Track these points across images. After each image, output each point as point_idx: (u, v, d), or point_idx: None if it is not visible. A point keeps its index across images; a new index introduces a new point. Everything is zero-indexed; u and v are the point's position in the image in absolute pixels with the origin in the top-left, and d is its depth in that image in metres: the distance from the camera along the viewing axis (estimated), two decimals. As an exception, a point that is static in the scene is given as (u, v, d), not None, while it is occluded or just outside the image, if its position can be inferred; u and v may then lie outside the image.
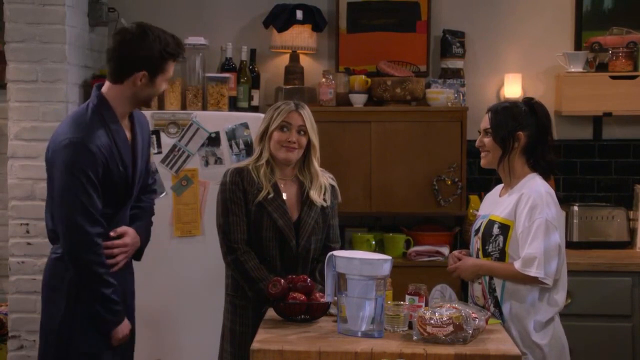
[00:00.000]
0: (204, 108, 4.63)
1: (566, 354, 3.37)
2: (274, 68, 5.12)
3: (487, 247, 3.36)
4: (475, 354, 2.85)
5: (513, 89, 5.01)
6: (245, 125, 4.41)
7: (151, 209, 3.44)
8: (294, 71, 4.96)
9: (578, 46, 5.05)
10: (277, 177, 3.59)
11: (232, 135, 4.40)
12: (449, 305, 3.01)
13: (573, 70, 4.90)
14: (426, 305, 3.22)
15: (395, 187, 4.78)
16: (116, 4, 4.92)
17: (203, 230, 4.38)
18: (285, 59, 5.05)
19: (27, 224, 4.49)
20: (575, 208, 4.90)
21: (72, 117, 3.16)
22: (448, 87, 4.88)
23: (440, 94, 4.83)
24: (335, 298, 3.15)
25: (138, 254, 3.34)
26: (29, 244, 4.50)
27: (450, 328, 2.91)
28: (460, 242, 4.89)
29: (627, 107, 4.86)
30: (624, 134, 5.10)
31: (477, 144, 3.46)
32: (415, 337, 2.97)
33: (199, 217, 4.39)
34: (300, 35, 4.96)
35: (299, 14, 4.91)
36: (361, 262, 3.05)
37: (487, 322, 3.10)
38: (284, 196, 3.58)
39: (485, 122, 3.42)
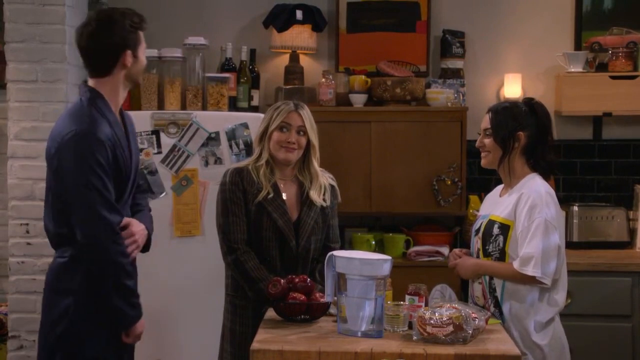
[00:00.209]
0: (204, 108, 4.63)
1: (566, 354, 3.37)
2: (274, 68, 5.12)
3: (487, 247, 3.36)
4: (475, 354, 2.85)
5: (513, 89, 5.01)
6: (245, 125, 4.41)
7: (147, 204, 3.42)
8: (293, 71, 4.96)
9: (578, 46, 5.05)
10: (277, 177, 3.59)
11: (232, 135, 4.40)
12: (448, 305, 3.01)
13: (573, 70, 4.90)
14: (426, 305, 3.22)
15: (395, 187, 4.78)
16: (116, 4, 4.91)
17: (203, 230, 4.38)
18: (285, 59, 5.05)
19: (27, 224, 4.49)
20: (575, 208, 4.90)
21: (70, 113, 3.13)
22: (448, 87, 4.89)
23: (440, 94, 4.83)
24: (335, 298, 3.15)
25: (146, 245, 3.31)
26: (29, 244, 4.50)
27: (450, 328, 2.91)
28: (460, 242, 4.89)
29: (627, 107, 4.86)
30: (624, 134, 5.10)
31: (477, 144, 3.46)
32: (415, 337, 2.97)
33: (199, 217, 4.39)
34: (300, 35, 4.96)
35: (299, 14, 4.91)
36: (361, 262, 3.05)
37: (487, 322, 3.10)
38: (284, 196, 3.58)
39: (485, 123, 3.43)
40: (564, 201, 4.73)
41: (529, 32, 5.10)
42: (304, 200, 3.60)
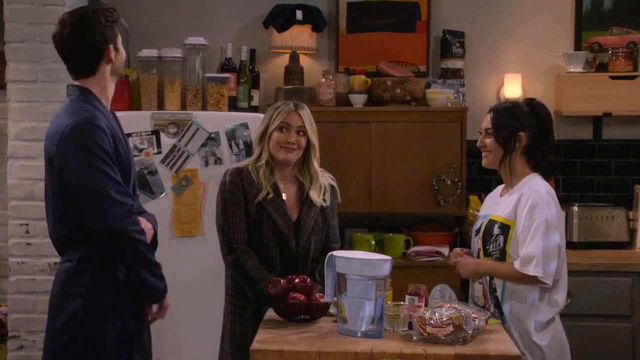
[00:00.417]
0: (204, 108, 4.63)
1: (566, 355, 3.37)
2: (274, 68, 5.12)
3: (487, 247, 3.36)
4: (475, 354, 2.85)
5: (513, 89, 5.01)
6: (245, 126, 4.41)
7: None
8: (293, 71, 4.96)
9: (578, 46, 5.05)
10: (277, 178, 3.59)
11: (231, 136, 4.40)
12: (448, 305, 3.01)
13: (573, 70, 4.90)
14: (426, 305, 3.22)
15: (395, 187, 4.78)
16: (116, 4, 4.91)
17: (203, 230, 4.38)
18: (285, 59, 5.05)
19: (27, 224, 4.49)
20: (575, 208, 4.90)
21: (65, 109, 3.09)
22: (448, 87, 4.88)
23: (440, 94, 4.83)
24: (335, 298, 3.15)
25: (153, 244, 3.29)
26: (28, 244, 4.50)
27: (450, 328, 2.91)
28: (460, 242, 4.89)
29: (627, 107, 4.86)
30: (624, 134, 5.10)
31: (478, 144, 3.46)
32: (415, 337, 2.97)
33: (198, 217, 4.39)
34: (300, 36, 4.96)
35: (299, 14, 4.91)
36: (361, 262, 3.05)
37: (487, 322, 3.10)
38: (284, 196, 3.58)
39: (486, 122, 3.43)
40: (564, 201, 4.73)
41: (529, 32, 5.10)
42: (303, 200, 3.60)
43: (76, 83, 3.13)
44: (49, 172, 3.11)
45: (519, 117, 3.37)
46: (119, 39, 3.19)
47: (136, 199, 3.34)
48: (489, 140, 3.40)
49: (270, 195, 3.53)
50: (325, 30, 5.07)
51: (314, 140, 3.60)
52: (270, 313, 3.33)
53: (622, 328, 4.47)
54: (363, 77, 4.90)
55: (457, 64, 5.00)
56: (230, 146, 4.40)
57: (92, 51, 3.09)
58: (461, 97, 4.90)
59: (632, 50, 4.90)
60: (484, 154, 3.45)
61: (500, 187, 3.53)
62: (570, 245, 4.74)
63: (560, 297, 3.32)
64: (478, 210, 3.76)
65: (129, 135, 4.20)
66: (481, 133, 3.46)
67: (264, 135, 3.60)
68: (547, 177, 3.41)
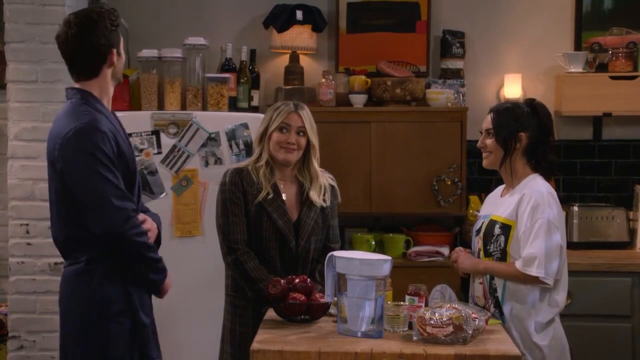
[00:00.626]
0: (204, 108, 4.62)
1: (566, 355, 3.37)
2: (274, 68, 5.12)
3: (488, 247, 3.36)
4: (475, 354, 2.85)
5: (513, 89, 5.01)
6: (245, 126, 4.41)
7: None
8: (293, 71, 4.96)
9: (578, 46, 5.05)
10: (277, 178, 3.60)
11: (232, 136, 4.40)
12: (448, 305, 3.01)
13: (573, 70, 4.90)
14: (426, 305, 3.22)
15: (395, 187, 4.78)
16: (116, 4, 4.91)
17: (203, 230, 4.38)
18: (285, 59, 5.05)
19: (27, 225, 4.49)
20: (575, 208, 4.90)
21: (66, 113, 3.09)
22: (448, 88, 4.89)
23: (440, 94, 4.83)
24: (335, 298, 3.15)
25: (157, 243, 3.30)
26: (28, 244, 4.49)
27: (450, 328, 2.91)
28: (460, 242, 4.88)
29: (627, 107, 4.86)
30: (624, 134, 5.10)
31: (478, 144, 3.46)
32: (415, 338, 2.97)
33: (198, 217, 4.39)
34: (300, 36, 4.96)
35: (299, 14, 4.91)
36: (361, 262, 3.05)
37: (487, 323, 3.10)
38: (284, 197, 3.58)
39: (487, 123, 3.43)
40: (564, 201, 4.71)
41: (529, 32, 5.10)
42: (303, 200, 3.60)
43: (76, 86, 3.13)
44: (51, 174, 3.11)
45: (519, 117, 3.37)
46: (122, 43, 3.19)
47: (140, 198, 3.36)
48: (489, 141, 3.40)
49: (270, 196, 3.53)
50: (325, 30, 5.07)
51: (314, 140, 3.60)
52: (270, 313, 3.33)
53: (622, 328, 4.47)
54: (363, 77, 4.90)
55: (457, 64, 5.00)
56: (231, 146, 4.40)
57: (96, 53, 3.09)
58: (461, 97, 4.90)
59: (632, 50, 4.90)
60: (484, 155, 3.45)
61: (501, 187, 3.53)
62: (571, 245, 4.74)
63: (561, 297, 3.32)
64: (478, 211, 3.76)
65: (129, 135, 4.19)
66: (481, 133, 3.46)
67: (264, 136, 3.60)
68: (547, 178, 3.41)
